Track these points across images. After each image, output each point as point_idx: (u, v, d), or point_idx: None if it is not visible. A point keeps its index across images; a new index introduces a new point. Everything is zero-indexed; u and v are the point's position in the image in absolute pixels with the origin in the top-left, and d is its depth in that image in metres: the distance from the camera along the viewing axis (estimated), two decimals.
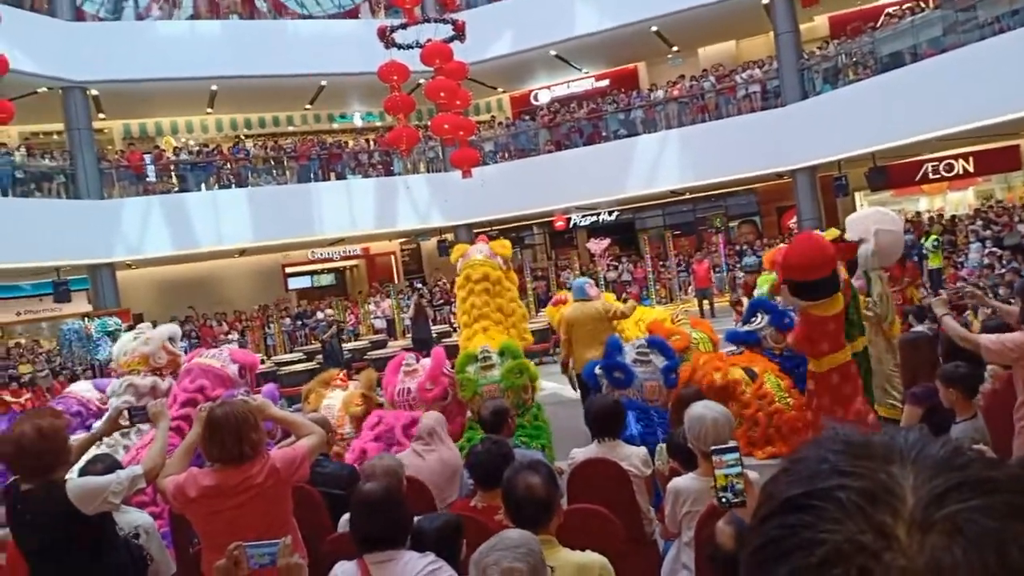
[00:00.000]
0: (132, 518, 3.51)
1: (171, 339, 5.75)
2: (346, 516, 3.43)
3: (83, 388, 6.23)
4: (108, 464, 3.51)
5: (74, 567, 2.83)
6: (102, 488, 2.89)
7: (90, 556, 2.88)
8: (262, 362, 15.39)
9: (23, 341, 19.86)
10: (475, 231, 22.02)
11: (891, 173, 17.98)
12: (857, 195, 21.21)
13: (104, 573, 2.92)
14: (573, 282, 8.36)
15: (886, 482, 0.51)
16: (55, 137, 20.85)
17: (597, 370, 5.68)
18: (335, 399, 6.07)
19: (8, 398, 15.40)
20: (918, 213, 20.08)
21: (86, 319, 15.86)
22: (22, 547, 2.94)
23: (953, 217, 18.67)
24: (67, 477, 2.98)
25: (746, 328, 6.26)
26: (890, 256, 6.10)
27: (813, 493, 0.52)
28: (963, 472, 0.51)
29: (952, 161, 18.95)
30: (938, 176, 19.44)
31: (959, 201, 21.04)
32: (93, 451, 3.98)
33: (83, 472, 3.43)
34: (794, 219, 19.41)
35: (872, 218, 6.08)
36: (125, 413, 3.40)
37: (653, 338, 5.94)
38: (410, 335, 16.02)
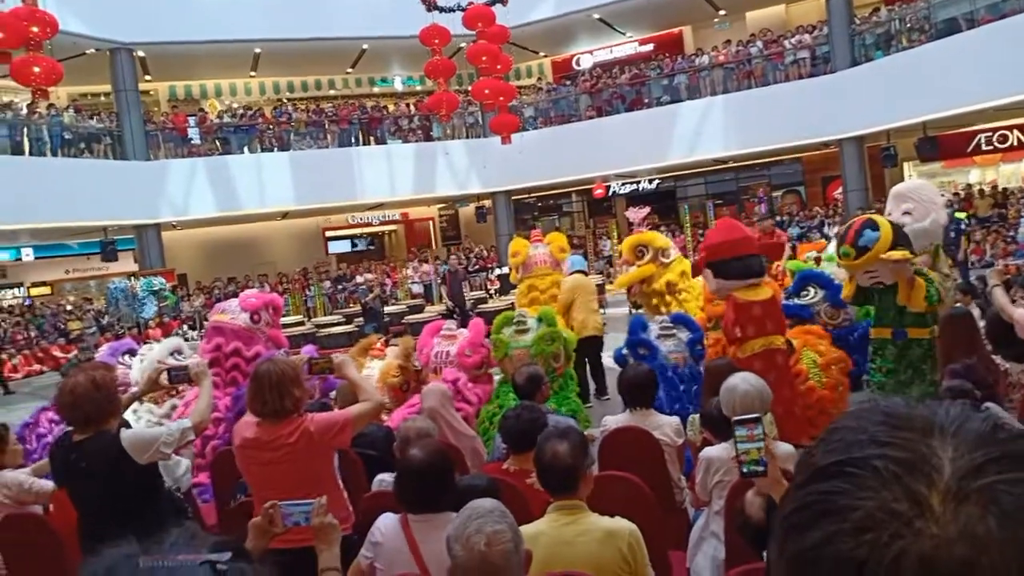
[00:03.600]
0: None
1: (177, 352, 5.70)
2: (380, 476, 3.50)
3: (104, 353, 6.37)
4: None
5: (123, 515, 2.94)
6: (155, 438, 3.02)
7: (139, 504, 2.99)
8: (301, 323, 15.70)
9: (72, 298, 20.43)
10: (513, 198, 22.00)
11: (942, 143, 17.46)
12: (906, 165, 20.67)
13: (150, 521, 3.02)
14: (572, 257, 8.90)
15: (924, 453, 0.51)
16: (102, 98, 21.21)
17: (624, 351, 5.76)
18: (373, 369, 6.16)
19: (57, 353, 15.95)
20: (969, 185, 19.52)
21: (132, 278, 16.24)
22: (74, 497, 3.06)
23: (1005, 189, 18.12)
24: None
25: (798, 302, 6.16)
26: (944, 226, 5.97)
27: (850, 461, 0.52)
28: (1004, 446, 0.51)
29: (1007, 132, 18.33)
30: (991, 147, 18.83)
31: (1012, 173, 20.38)
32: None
33: None
34: (839, 190, 19.00)
35: (934, 189, 5.90)
36: (165, 373, 3.47)
37: (677, 314, 6.01)
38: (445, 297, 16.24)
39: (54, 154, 16.52)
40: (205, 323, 17.84)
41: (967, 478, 0.49)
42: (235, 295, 19.68)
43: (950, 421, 0.53)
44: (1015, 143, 18.49)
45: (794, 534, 0.53)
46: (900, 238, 5.08)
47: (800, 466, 0.58)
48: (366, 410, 3.19)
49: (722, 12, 21.71)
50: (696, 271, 5.69)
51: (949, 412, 0.54)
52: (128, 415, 4.46)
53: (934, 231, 5.60)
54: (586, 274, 8.72)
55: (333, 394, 5.74)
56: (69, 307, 18.54)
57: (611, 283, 19.17)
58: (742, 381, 3.21)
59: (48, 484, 3.61)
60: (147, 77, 20.69)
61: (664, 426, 3.92)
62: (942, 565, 0.46)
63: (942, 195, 17.50)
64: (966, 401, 0.60)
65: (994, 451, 0.50)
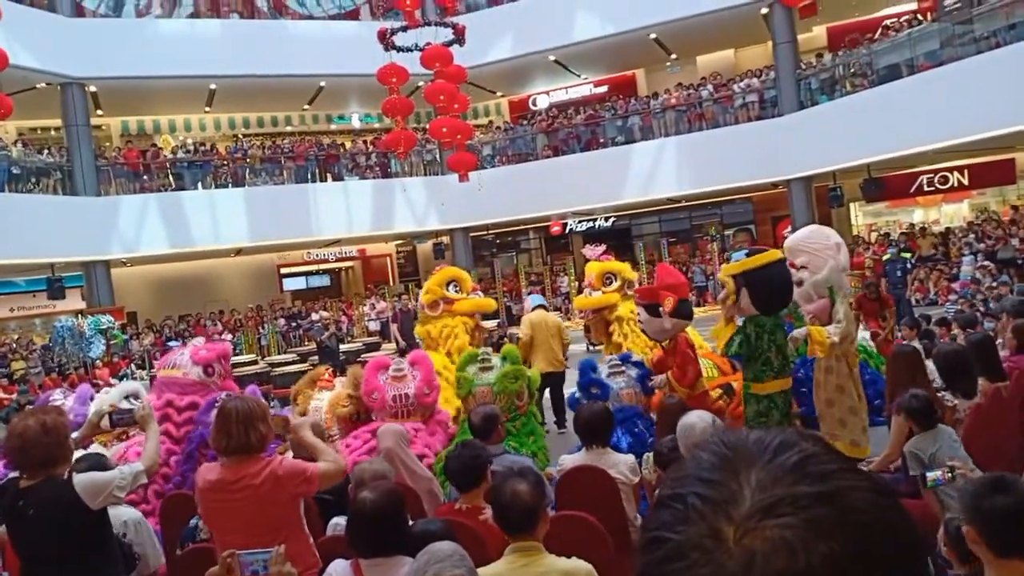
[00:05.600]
0: (119, 512, 3.53)
1: (133, 396, 5.41)
2: (335, 520, 3.46)
3: (57, 396, 6.18)
4: (92, 463, 3.51)
5: (71, 563, 2.85)
6: (108, 482, 2.94)
7: (87, 551, 2.90)
8: (255, 362, 15.44)
9: (16, 337, 19.81)
10: (471, 235, 22.09)
11: (886, 184, 18.07)
12: (852, 206, 21.29)
13: (97, 568, 2.93)
14: (531, 296, 9.32)
15: (733, 491, 0.60)
16: (52, 133, 20.84)
17: (577, 394, 5.87)
18: (322, 400, 6.05)
19: (0, 394, 15.40)
20: (912, 224, 20.17)
21: (79, 316, 15.84)
22: (19, 545, 2.95)
23: (947, 229, 18.75)
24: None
25: None
26: (844, 270, 5.84)
27: (676, 496, 0.62)
28: (793, 486, 0.59)
29: (947, 173, 19.05)
30: (933, 188, 19.54)
31: (954, 213, 21.14)
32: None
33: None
34: (788, 228, 19.47)
35: (827, 234, 5.81)
36: (107, 417, 3.39)
37: (625, 354, 6.19)
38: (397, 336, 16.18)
39: (0, 189, 16.14)
40: (155, 362, 17.47)
41: (754, 517, 0.58)
42: (187, 333, 19.18)
43: (767, 453, 0.63)
44: (955, 184, 19.21)
45: (639, 555, 0.63)
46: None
47: (659, 491, 0.68)
48: (330, 469, 3.12)
49: (673, 56, 22.29)
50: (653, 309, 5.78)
51: (771, 444, 0.63)
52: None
53: (834, 278, 5.52)
54: (547, 309, 8.96)
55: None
56: (15, 346, 17.96)
57: (569, 319, 19.27)
58: (699, 419, 3.26)
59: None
60: (99, 112, 20.41)
61: (620, 464, 3.95)
62: None
63: (886, 234, 17.71)
64: (790, 429, 0.67)
65: (781, 492, 0.59)
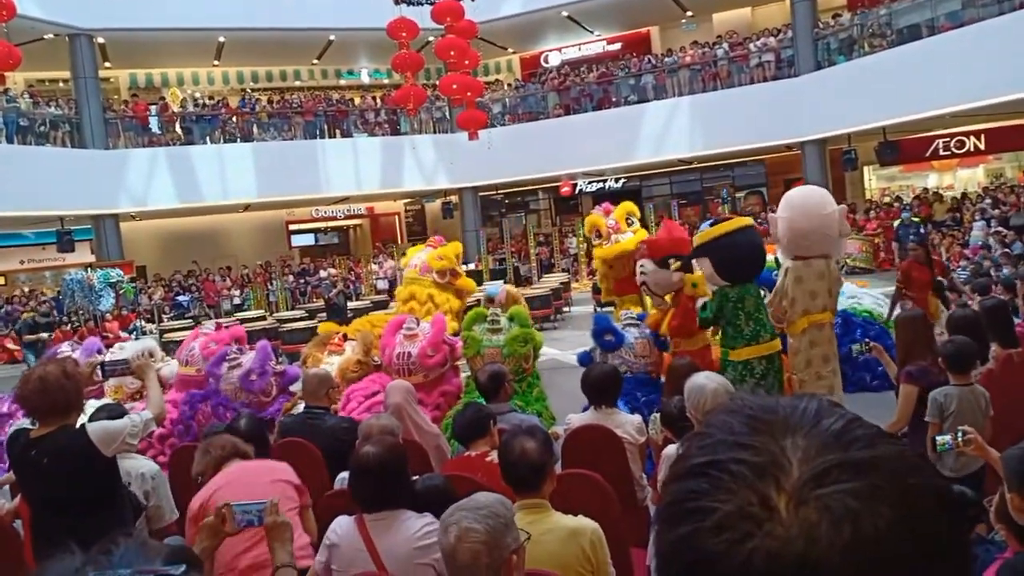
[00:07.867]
0: (138, 464, 3.57)
1: (147, 353, 5.47)
2: (341, 475, 3.48)
3: (65, 349, 6.22)
4: (111, 412, 3.53)
5: (81, 510, 2.86)
6: (120, 430, 2.96)
7: (100, 499, 2.92)
8: (263, 318, 15.51)
9: (27, 289, 19.95)
10: (480, 194, 21.97)
11: (901, 148, 17.82)
12: (866, 169, 21.04)
13: (107, 517, 2.95)
14: (489, 288, 9.41)
15: (777, 457, 0.57)
16: (61, 85, 20.71)
17: (590, 346, 5.90)
18: (332, 365, 6.08)
19: (10, 346, 15.53)
20: (926, 189, 19.94)
21: (89, 269, 15.89)
22: (29, 493, 2.97)
23: (963, 194, 18.53)
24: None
25: None
26: (801, 244, 5.13)
27: (713, 463, 0.59)
28: (844, 452, 0.57)
29: (963, 138, 18.77)
30: (948, 152, 19.27)
31: (968, 179, 20.87)
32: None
33: (91, 420, 3.46)
34: None
35: (783, 203, 5.32)
36: (98, 368, 3.38)
37: (642, 315, 6.26)
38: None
39: (9, 141, 16.10)
40: (163, 316, 17.57)
41: (807, 485, 0.55)
42: (195, 288, 19.19)
43: (806, 420, 0.60)
44: (972, 149, 18.94)
45: (667, 526, 0.60)
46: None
47: (678, 460, 0.63)
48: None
49: (689, 13, 21.90)
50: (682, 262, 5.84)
51: (807, 410, 0.61)
52: None
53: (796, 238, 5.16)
54: None
55: (295, 387, 5.68)
56: (24, 298, 18.08)
57: (577, 281, 19.21)
58: (708, 380, 3.23)
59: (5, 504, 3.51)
60: (107, 64, 20.25)
61: (627, 424, 3.95)
62: (784, 559, 0.53)
63: (898, 198, 17.54)
64: (824, 397, 0.64)
65: (834, 458, 0.56)
